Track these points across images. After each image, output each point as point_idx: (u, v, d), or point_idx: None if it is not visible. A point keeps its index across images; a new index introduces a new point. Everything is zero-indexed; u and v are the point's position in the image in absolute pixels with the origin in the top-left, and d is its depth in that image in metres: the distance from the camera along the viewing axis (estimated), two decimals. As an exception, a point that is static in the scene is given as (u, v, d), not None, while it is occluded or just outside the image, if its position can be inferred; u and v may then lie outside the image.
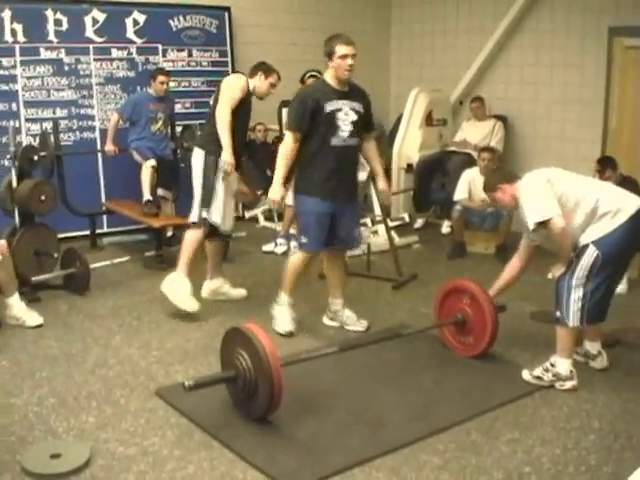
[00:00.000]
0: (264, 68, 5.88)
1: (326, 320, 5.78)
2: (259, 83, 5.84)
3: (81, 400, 4.38)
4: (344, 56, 5.11)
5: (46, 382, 4.62)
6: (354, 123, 5.25)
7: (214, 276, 6.24)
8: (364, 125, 5.41)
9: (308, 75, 7.57)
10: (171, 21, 8.55)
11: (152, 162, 7.45)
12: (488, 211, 7.72)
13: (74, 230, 7.75)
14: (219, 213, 5.83)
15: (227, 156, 5.66)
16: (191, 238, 5.87)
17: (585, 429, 4.10)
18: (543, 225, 4.48)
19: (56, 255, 6.42)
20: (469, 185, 7.84)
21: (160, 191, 7.75)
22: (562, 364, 4.57)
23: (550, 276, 6.93)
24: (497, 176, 4.99)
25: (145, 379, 4.70)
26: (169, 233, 7.82)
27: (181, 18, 8.61)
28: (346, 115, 5.22)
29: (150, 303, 6.02)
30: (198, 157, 5.84)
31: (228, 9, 8.93)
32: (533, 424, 4.17)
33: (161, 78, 7.54)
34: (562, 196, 4.47)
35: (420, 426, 4.13)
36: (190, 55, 8.73)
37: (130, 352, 5.15)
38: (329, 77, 5.26)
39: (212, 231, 5.93)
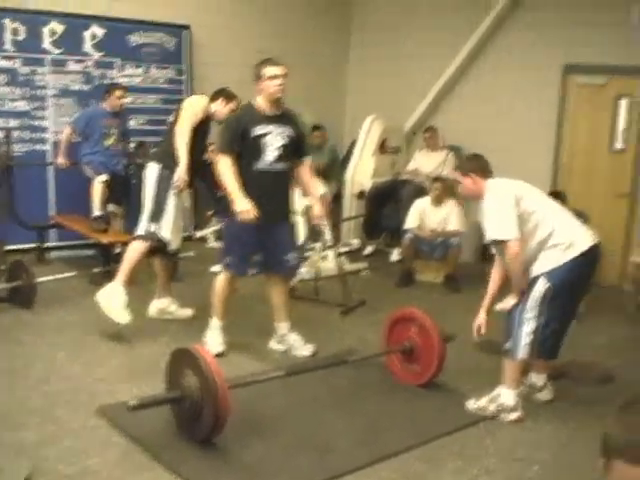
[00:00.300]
0: (225, 94, 5.91)
1: (273, 344, 5.75)
2: (220, 108, 5.86)
3: (22, 416, 4.30)
4: (274, 76, 5.16)
5: (-13, 397, 4.54)
6: (282, 148, 5.26)
7: (162, 295, 6.19)
8: (296, 150, 5.41)
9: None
10: (130, 37, 8.52)
11: (103, 177, 7.39)
12: (438, 241, 7.80)
13: (21, 243, 7.63)
14: (168, 229, 5.80)
15: (182, 172, 5.64)
16: (134, 249, 5.83)
17: (529, 460, 4.14)
18: (499, 243, 4.54)
19: (3, 267, 6.31)
20: (420, 214, 7.90)
21: (110, 207, 7.68)
22: (508, 395, 4.60)
23: (498, 307, 7.01)
24: (474, 162, 4.90)
25: (88, 397, 4.63)
26: (117, 250, 7.71)
27: (140, 34, 8.58)
28: (273, 140, 5.23)
29: (96, 320, 5.92)
30: (153, 171, 5.82)
31: (188, 28, 8.93)
32: (478, 454, 4.19)
33: (118, 93, 7.51)
34: (524, 214, 4.49)
35: (366, 452, 4.13)
36: (147, 72, 8.70)
37: (74, 369, 5.08)
38: (259, 101, 5.28)
39: (159, 249, 5.90)
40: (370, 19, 10.55)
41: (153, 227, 5.76)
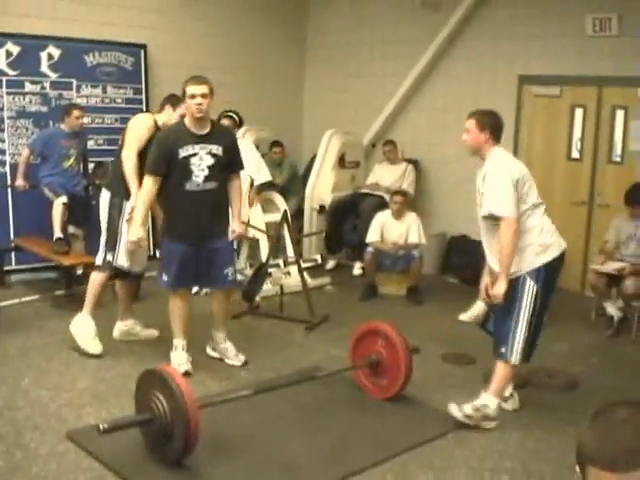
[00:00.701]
0: (172, 101, 5.84)
1: (209, 350, 5.88)
2: (167, 117, 5.79)
3: (-12, 443, 4.27)
4: (192, 96, 5.16)
5: (-49, 424, 4.49)
6: (210, 167, 5.28)
7: (125, 317, 6.17)
8: (227, 165, 5.43)
9: (223, 115, 7.61)
10: (86, 57, 8.46)
11: (63, 199, 7.32)
12: (399, 253, 7.86)
13: (-20, 266, 7.54)
14: (124, 256, 5.77)
15: (132, 201, 5.60)
16: (94, 281, 5.84)
17: (498, 469, 4.20)
18: (495, 219, 4.56)
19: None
20: (381, 228, 7.96)
21: (71, 228, 7.62)
22: (493, 404, 4.65)
23: (463, 317, 7.12)
24: (493, 120, 4.77)
25: (56, 422, 4.60)
26: (79, 271, 7.67)
27: (96, 54, 8.52)
28: (201, 160, 5.25)
29: (60, 343, 5.89)
30: (104, 198, 5.82)
31: (144, 47, 8.91)
32: (447, 465, 4.24)
33: (76, 113, 7.46)
34: (520, 199, 4.56)
35: (334, 469, 4.17)
36: (104, 91, 8.63)
37: (40, 394, 5.03)
38: (187, 120, 5.31)
39: (122, 272, 5.89)
40: (325, 34, 10.60)
41: (109, 256, 5.77)
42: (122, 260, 5.78)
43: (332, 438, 4.53)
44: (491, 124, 4.69)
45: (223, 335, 5.80)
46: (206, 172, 5.26)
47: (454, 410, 4.68)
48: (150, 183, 5.30)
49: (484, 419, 4.64)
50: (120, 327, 6.15)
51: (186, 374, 5.29)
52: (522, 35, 8.33)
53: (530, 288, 4.54)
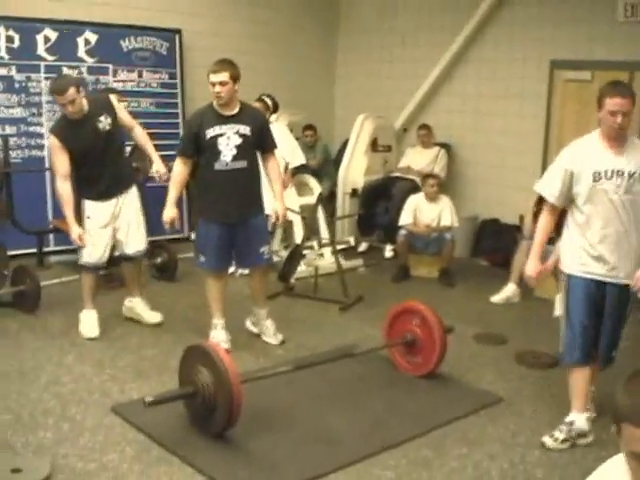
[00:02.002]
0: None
1: (248, 324, 6.04)
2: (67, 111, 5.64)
3: (37, 416, 4.41)
4: (212, 84, 5.28)
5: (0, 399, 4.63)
6: (238, 147, 5.35)
7: (131, 295, 6.28)
8: (258, 145, 5.53)
9: (258, 99, 7.72)
10: (122, 42, 8.59)
11: None
12: (432, 236, 7.92)
13: (20, 248, 7.67)
14: (89, 252, 5.86)
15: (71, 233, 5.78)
16: (81, 279, 6.09)
17: (530, 445, 4.28)
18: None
19: (6, 272, 6.39)
20: (414, 210, 8.02)
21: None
22: (580, 419, 4.32)
23: (494, 299, 7.18)
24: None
25: (100, 396, 4.74)
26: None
27: (132, 39, 8.65)
28: (228, 139, 5.34)
29: (101, 321, 6.02)
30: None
31: (179, 32, 9.02)
32: (481, 440, 4.33)
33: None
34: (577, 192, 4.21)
35: (372, 443, 4.26)
36: (140, 76, 8.77)
37: (83, 370, 5.17)
38: (215, 101, 5.40)
39: (118, 258, 6.14)
40: (358, 20, 10.67)
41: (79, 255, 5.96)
42: (86, 257, 5.87)
43: (369, 413, 4.64)
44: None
45: (265, 312, 5.90)
46: (234, 151, 5.36)
47: (549, 442, 4.27)
48: (181, 165, 5.51)
49: (580, 437, 4.29)
50: (126, 304, 6.29)
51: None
52: (553, 20, 8.33)
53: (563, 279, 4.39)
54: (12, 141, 7.84)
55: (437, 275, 7.97)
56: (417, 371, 5.22)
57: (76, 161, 5.61)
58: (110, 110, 5.79)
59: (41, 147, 8.11)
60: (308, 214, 7.77)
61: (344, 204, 9.27)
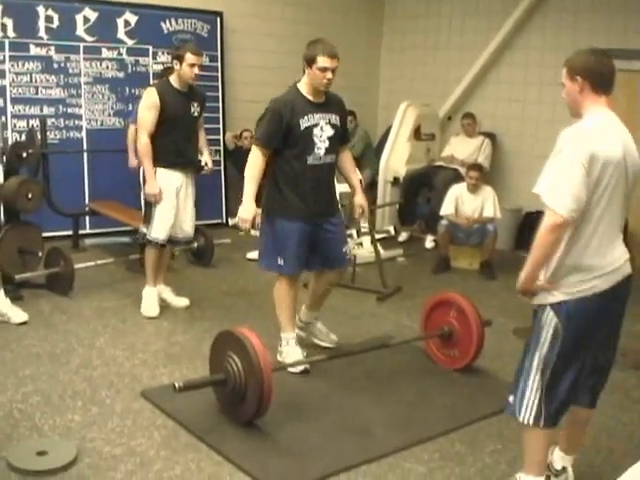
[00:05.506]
0: (175, 55, 5.75)
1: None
2: (176, 76, 5.74)
3: (66, 399, 4.36)
4: (324, 69, 4.67)
5: (30, 380, 4.58)
6: (330, 139, 4.85)
7: (158, 282, 6.17)
8: (342, 136, 5.03)
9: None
10: (162, 23, 8.53)
11: None
12: (474, 227, 7.76)
13: (55, 230, 7.63)
14: (159, 227, 5.79)
15: (149, 187, 5.72)
16: (146, 255, 6.01)
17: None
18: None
19: (40, 254, 6.36)
20: (456, 201, 7.86)
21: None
22: None
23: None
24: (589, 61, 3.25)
25: (130, 380, 4.68)
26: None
27: (173, 21, 8.60)
28: (322, 131, 4.81)
29: (134, 306, 5.97)
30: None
31: (220, 14, 8.94)
32: (516, 437, 4.16)
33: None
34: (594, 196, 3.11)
35: (405, 436, 4.15)
36: (181, 59, 8.70)
37: (115, 354, 5.12)
38: (304, 85, 4.82)
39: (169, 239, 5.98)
40: (402, 6, 10.53)
41: (144, 229, 5.88)
42: (156, 233, 5.80)
43: (403, 405, 4.53)
44: (584, 67, 3.23)
45: (317, 314, 5.41)
46: (327, 144, 4.82)
47: None
48: (260, 156, 4.80)
49: None
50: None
51: (305, 372, 4.88)
52: (603, 8, 8.14)
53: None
54: (50, 122, 7.82)
55: (478, 267, 7.82)
56: (453, 364, 5.09)
57: (162, 127, 5.65)
58: (202, 102, 6.05)
59: (79, 128, 8.09)
60: (348, 202, 7.63)
61: (385, 193, 9.15)
